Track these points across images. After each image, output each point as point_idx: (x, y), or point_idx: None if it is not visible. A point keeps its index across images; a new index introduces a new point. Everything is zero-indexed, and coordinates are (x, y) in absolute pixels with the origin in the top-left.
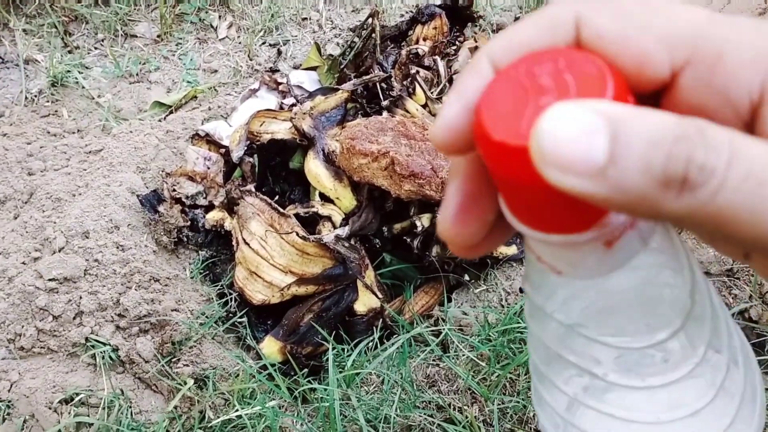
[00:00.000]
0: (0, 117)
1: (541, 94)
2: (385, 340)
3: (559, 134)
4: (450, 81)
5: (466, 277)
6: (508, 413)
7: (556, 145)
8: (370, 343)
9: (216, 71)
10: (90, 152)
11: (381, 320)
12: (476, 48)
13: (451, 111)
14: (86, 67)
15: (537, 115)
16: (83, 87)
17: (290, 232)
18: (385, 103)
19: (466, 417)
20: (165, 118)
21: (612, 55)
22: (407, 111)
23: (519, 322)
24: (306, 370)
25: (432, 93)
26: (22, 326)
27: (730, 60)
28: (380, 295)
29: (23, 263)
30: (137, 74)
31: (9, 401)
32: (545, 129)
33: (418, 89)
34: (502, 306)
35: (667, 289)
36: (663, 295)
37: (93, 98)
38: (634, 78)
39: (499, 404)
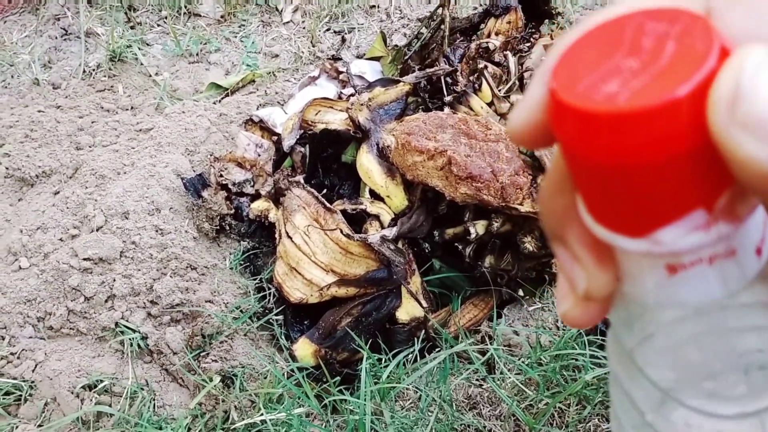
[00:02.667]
0: (57, 89)
1: (631, 54)
2: (426, 353)
3: (760, 91)
4: (521, 79)
5: (521, 293)
6: None
7: (752, 105)
8: (410, 355)
9: (277, 56)
10: (140, 130)
11: (423, 331)
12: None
13: (536, 92)
14: (146, 44)
15: (610, 78)
16: (141, 64)
17: (334, 229)
18: (448, 98)
19: None
20: (220, 101)
21: None
22: (471, 108)
23: (574, 347)
24: (338, 378)
25: (499, 90)
26: (53, 305)
27: None
28: (425, 304)
29: (60, 240)
30: (197, 54)
31: (32, 382)
32: (740, 84)
33: (485, 85)
34: (558, 328)
35: (754, 355)
36: (740, 360)
37: (150, 75)
38: None
39: None
